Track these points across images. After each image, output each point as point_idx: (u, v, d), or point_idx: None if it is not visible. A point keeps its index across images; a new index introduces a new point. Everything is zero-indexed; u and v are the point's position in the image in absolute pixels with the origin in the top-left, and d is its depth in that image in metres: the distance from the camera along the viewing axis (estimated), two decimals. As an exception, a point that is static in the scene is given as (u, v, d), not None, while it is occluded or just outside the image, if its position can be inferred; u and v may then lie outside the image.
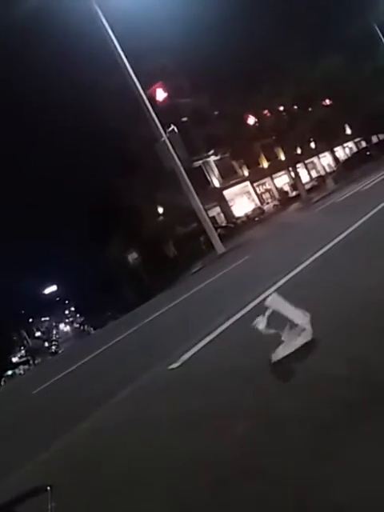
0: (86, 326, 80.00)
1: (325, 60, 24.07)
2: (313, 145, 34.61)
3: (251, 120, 27.06)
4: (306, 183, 34.52)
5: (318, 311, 2.95)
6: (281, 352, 2.24)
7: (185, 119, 34.74)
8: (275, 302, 2.30)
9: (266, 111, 27.37)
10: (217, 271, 9.55)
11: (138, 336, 7.22)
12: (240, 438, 1.72)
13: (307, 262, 4.81)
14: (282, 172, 42.26)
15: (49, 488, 1.09)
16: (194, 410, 2.18)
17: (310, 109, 26.93)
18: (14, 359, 72.24)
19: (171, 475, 1.74)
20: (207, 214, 18.42)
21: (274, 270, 5.23)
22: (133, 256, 34.95)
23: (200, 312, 5.78)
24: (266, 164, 42.86)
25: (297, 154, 28.38)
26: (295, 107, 27.13)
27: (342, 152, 47.51)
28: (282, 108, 27.51)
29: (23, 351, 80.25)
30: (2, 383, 42.22)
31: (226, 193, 39.72)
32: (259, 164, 42.44)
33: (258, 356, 2.63)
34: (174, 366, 3.41)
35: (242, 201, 41.08)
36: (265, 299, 4.04)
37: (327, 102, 30.67)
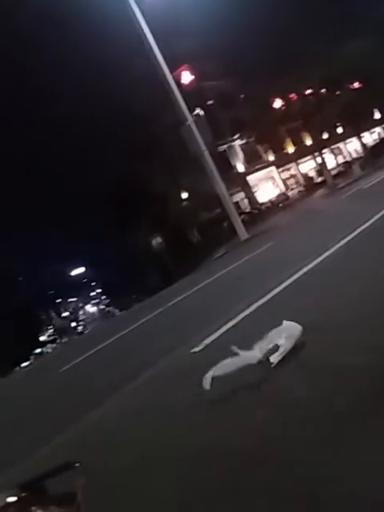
0: (111, 308, 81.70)
1: (353, 42, 23.14)
2: (340, 130, 33.56)
3: (277, 103, 26.44)
4: (332, 169, 33.62)
5: (344, 298, 2.95)
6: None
7: (210, 102, 34.24)
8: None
9: (292, 95, 26.64)
10: (240, 257, 9.54)
11: (161, 319, 7.36)
12: (257, 426, 1.77)
13: (332, 250, 4.75)
14: (308, 157, 41.28)
15: (78, 464, 1.12)
16: (214, 396, 2.24)
17: (337, 92, 26.05)
18: (42, 338, 74.80)
19: (183, 464, 1.81)
20: (231, 200, 18.28)
21: (297, 256, 5.19)
22: (157, 241, 35.19)
23: (222, 297, 5.82)
24: (291, 149, 41.90)
25: (323, 139, 27.63)
26: (323, 91, 26.28)
27: (369, 137, 45.81)
28: (309, 91, 26.71)
29: (51, 330, 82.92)
30: (31, 361, 43.91)
31: (250, 178, 39.19)
32: (285, 149, 41.54)
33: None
34: (196, 349, 3.48)
35: (266, 186, 40.46)
36: (285, 287, 4.06)
37: (356, 85, 29.54)
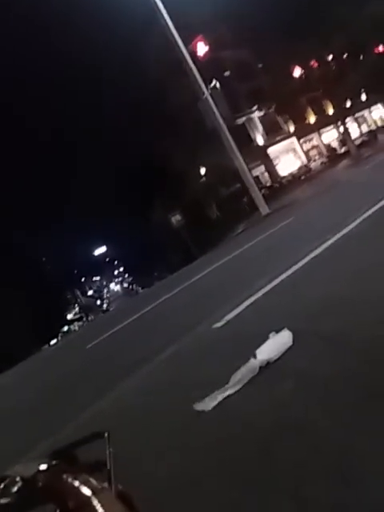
0: (134, 286, 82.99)
1: (377, 2, 21.66)
2: (363, 97, 32.07)
3: (297, 72, 25.34)
4: (356, 139, 32.35)
5: (368, 271, 2.90)
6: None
7: (227, 73, 33.22)
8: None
9: (313, 62, 25.43)
10: (260, 233, 9.44)
11: (183, 296, 7.44)
12: (282, 399, 1.79)
13: (356, 223, 4.64)
14: (331, 127, 39.85)
15: (107, 434, 1.17)
16: (234, 369, 2.27)
17: (361, 57, 24.70)
18: (69, 316, 77.01)
19: (208, 433, 1.86)
20: (251, 174, 17.96)
21: (320, 231, 5.11)
22: (176, 218, 35.16)
23: (243, 273, 5.82)
24: (313, 119, 40.45)
25: (346, 107, 26.48)
26: (345, 56, 24.95)
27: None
28: (330, 57, 25.42)
29: (77, 309, 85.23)
30: (59, 338, 45.43)
31: (270, 151, 38.24)
32: (306, 119, 40.15)
33: (301, 317, 2.66)
34: (218, 325, 3.52)
35: (287, 159, 39.43)
36: (307, 262, 4.01)
37: (380, 49, 27.90)
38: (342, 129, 27.80)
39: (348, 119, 28.60)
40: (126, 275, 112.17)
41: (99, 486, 0.93)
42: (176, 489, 1.55)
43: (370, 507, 1.04)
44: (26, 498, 0.93)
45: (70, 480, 0.94)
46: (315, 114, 40.18)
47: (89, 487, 0.91)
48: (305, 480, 1.24)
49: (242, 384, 2.10)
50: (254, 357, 2.28)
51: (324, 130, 40.97)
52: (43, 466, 0.97)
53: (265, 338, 2.47)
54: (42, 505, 0.96)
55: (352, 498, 1.09)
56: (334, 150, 37.77)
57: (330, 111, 37.21)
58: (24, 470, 0.96)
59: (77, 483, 0.93)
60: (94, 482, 0.94)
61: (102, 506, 0.85)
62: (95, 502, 0.86)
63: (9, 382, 12.54)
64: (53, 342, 40.93)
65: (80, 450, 1.15)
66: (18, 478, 0.93)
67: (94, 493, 0.89)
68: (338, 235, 4.42)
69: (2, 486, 0.92)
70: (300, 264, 4.07)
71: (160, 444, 2.01)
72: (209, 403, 2.07)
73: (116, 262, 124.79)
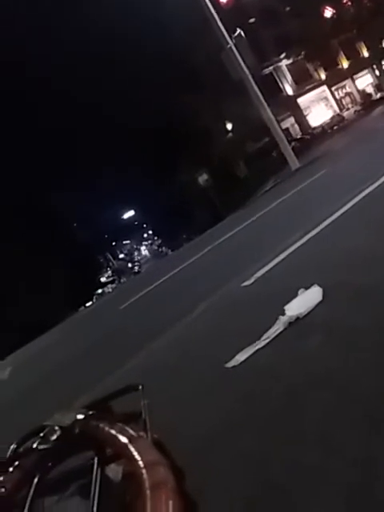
0: (163, 248, 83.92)
1: None
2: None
3: (328, 13, 23.27)
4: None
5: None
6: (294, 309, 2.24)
7: (252, 20, 31.12)
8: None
9: (345, 0, 23.20)
10: (290, 188, 9.17)
11: (211, 256, 7.46)
12: (312, 352, 1.80)
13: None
14: (365, 71, 37.02)
15: (141, 387, 1.22)
16: (263, 325, 2.29)
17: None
18: (103, 279, 79.51)
19: (240, 387, 1.91)
20: (280, 126, 17.20)
21: (351, 184, 4.88)
22: (203, 178, 34.59)
23: (273, 231, 5.72)
24: (345, 64, 37.63)
25: (382, 48, 24.31)
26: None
27: None
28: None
29: (109, 272, 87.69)
30: (94, 300, 47.23)
31: (300, 101, 36.30)
32: (338, 64, 37.43)
33: (331, 273, 2.61)
34: (247, 283, 3.52)
35: (318, 108, 37.35)
36: (339, 217, 3.87)
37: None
38: (377, 72, 25.83)
39: (384, 61, 26.44)
40: (155, 238, 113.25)
41: (135, 434, 0.98)
42: (207, 438, 1.62)
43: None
44: (65, 445, 1.00)
45: (106, 429, 1.00)
46: (348, 58, 37.32)
47: (125, 435, 0.97)
48: (333, 429, 1.26)
49: (270, 339, 2.12)
50: (283, 313, 2.28)
51: (358, 75, 38.19)
52: (80, 416, 1.04)
53: (294, 295, 2.46)
54: (80, 452, 1.04)
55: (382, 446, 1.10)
56: (369, 95, 35.31)
57: (365, 54, 34.50)
58: (62, 419, 1.03)
59: (113, 431, 0.99)
60: (129, 430, 1.00)
61: (138, 452, 0.90)
62: (132, 449, 0.92)
63: (49, 343, 13.28)
64: (88, 304, 42.58)
65: (117, 402, 1.22)
66: (56, 427, 1.00)
67: (130, 440, 0.95)
68: (371, 188, 4.22)
69: (42, 434, 0.99)
70: (330, 219, 3.95)
71: (192, 397, 2.09)
72: (238, 358, 2.12)
73: (145, 225, 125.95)
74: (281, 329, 2.16)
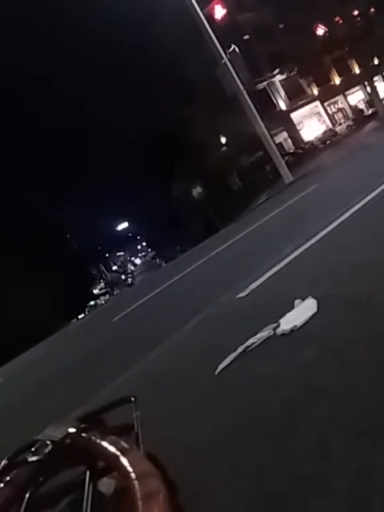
0: (157, 260, 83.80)
1: None
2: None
3: (321, 30, 23.83)
4: (385, 98, 30.65)
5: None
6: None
7: (247, 37, 31.76)
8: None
9: (337, 18, 23.77)
10: (284, 201, 9.25)
11: (206, 268, 7.46)
12: (307, 362, 1.79)
13: (383, 188, 4.46)
14: (357, 87, 37.82)
15: (133, 399, 1.20)
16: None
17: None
18: (95, 291, 78.95)
19: (236, 396, 1.88)
20: (273, 141, 17.43)
21: (344, 198, 4.94)
22: (197, 190, 34.77)
23: (266, 243, 5.75)
24: (338, 80, 38.45)
25: (374, 65, 24.86)
26: (372, 10, 23.21)
27: None
28: (355, 12, 23.68)
29: (103, 283, 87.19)
30: (86, 312, 46.85)
31: (293, 115, 36.87)
32: (330, 80, 38.24)
33: (326, 284, 2.61)
34: (242, 294, 3.51)
35: (311, 123, 37.95)
36: (331, 230, 3.90)
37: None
38: (369, 89, 26.38)
39: (375, 78, 26.99)
40: (149, 249, 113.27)
41: (127, 447, 0.96)
42: (201, 450, 1.59)
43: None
44: (57, 460, 0.98)
45: (98, 441, 0.98)
46: (340, 74, 38.16)
47: (117, 448, 0.94)
48: (329, 437, 1.24)
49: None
50: (278, 324, 2.27)
51: (350, 91, 39.00)
52: (72, 430, 1.01)
53: (289, 306, 2.45)
54: (72, 466, 1.01)
55: (379, 456, 1.09)
56: (361, 111, 36.02)
57: (356, 70, 35.26)
58: (54, 433, 1.00)
59: (105, 444, 0.96)
60: (122, 442, 0.97)
61: (131, 464, 0.88)
62: (124, 461, 0.89)
63: (40, 354, 13.11)
64: (80, 316, 42.23)
65: (110, 415, 1.20)
66: (48, 441, 0.97)
67: (122, 453, 0.92)
68: (364, 202, 4.26)
69: (33, 449, 0.96)
70: (324, 232, 3.97)
71: (185, 409, 2.06)
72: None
73: (138, 237, 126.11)
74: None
